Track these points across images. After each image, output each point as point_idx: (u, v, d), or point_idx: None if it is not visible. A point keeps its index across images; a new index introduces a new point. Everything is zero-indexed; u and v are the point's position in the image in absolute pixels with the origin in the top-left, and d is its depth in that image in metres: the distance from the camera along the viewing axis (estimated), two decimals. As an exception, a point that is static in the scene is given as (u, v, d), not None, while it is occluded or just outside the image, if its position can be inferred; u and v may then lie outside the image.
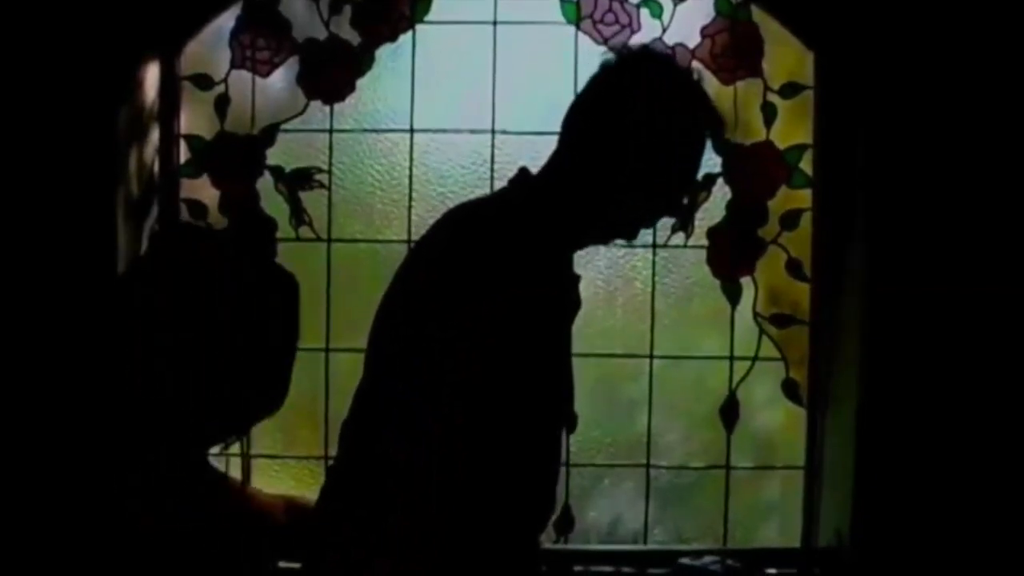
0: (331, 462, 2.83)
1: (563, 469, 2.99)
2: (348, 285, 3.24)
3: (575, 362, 2.26)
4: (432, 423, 2.02)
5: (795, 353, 3.26)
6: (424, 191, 3.25)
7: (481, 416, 2.02)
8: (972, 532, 3.01)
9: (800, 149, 3.22)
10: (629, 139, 2.14)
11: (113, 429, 2.97)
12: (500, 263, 2.08)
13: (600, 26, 3.19)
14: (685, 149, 2.18)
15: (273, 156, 3.23)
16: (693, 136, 2.19)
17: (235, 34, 3.21)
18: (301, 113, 3.23)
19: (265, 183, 3.22)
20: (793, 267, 3.24)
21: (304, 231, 3.23)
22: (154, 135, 3.20)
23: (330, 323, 3.21)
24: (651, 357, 3.25)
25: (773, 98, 3.21)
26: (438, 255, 2.17)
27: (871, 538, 3.04)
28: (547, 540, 3.19)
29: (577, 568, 3.11)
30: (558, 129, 3.17)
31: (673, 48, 3.19)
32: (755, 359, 3.25)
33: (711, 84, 3.16)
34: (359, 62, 3.21)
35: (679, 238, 3.21)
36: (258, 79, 3.23)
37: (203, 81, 3.23)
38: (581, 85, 3.14)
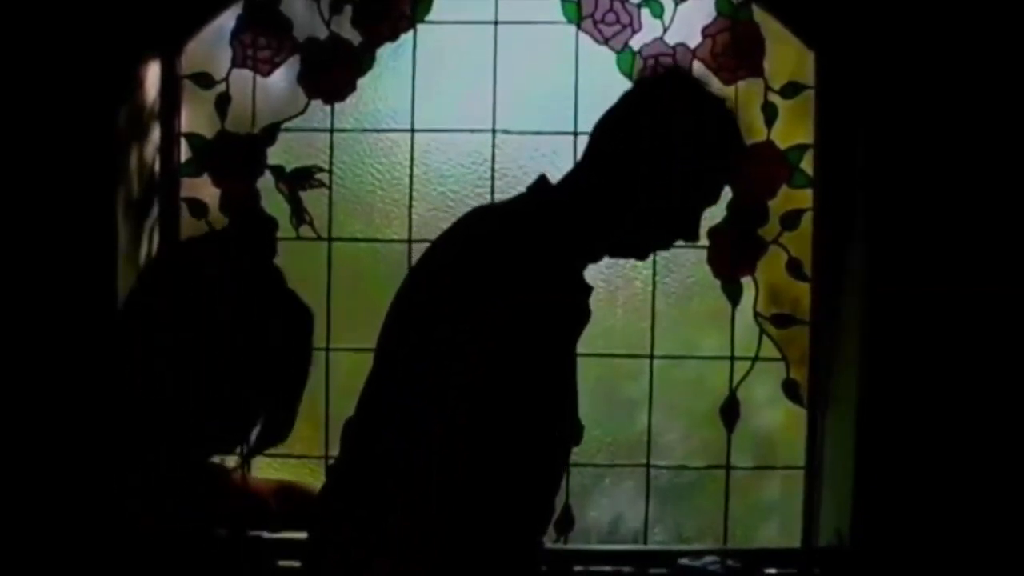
0: (331, 461, 2.84)
1: (563, 469, 2.99)
2: (348, 284, 3.24)
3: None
4: (434, 424, 2.02)
5: (795, 353, 3.26)
6: (425, 191, 3.25)
7: (484, 418, 2.02)
8: (972, 532, 3.01)
9: (801, 149, 3.22)
10: (655, 158, 2.14)
11: (112, 429, 2.98)
12: (510, 268, 2.09)
13: (601, 26, 3.19)
14: (709, 175, 2.18)
15: (274, 155, 3.23)
16: (718, 163, 2.18)
17: (236, 33, 3.21)
18: (302, 112, 3.23)
19: (266, 182, 3.22)
20: (794, 267, 3.24)
21: (304, 230, 3.23)
22: (155, 134, 3.20)
23: (330, 322, 3.21)
24: (651, 357, 3.25)
25: (774, 98, 3.21)
26: (450, 259, 2.18)
27: (871, 538, 3.04)
28: (547, 540, 3.19)
29: (577, 568, 3.11)
30: (559, 128, 3.21)
31: (674, 48, 3.19)
32: (755, 359, 3.25)
33: (711, 84, 3.17)
34: (360, 61, 3.21)
35: (680, 238, 3.21)
36: (259, 78, 3.23)
37: (204, 80, 3.23)
38: (582, 84, 3.21)
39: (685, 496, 3.32)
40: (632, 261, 3.18)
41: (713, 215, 3.21)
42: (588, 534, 3.30)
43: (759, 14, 3.19)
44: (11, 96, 2.98)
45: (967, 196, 2.99)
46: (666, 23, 3.19)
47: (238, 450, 3.11)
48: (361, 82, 3.22)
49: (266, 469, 3.22)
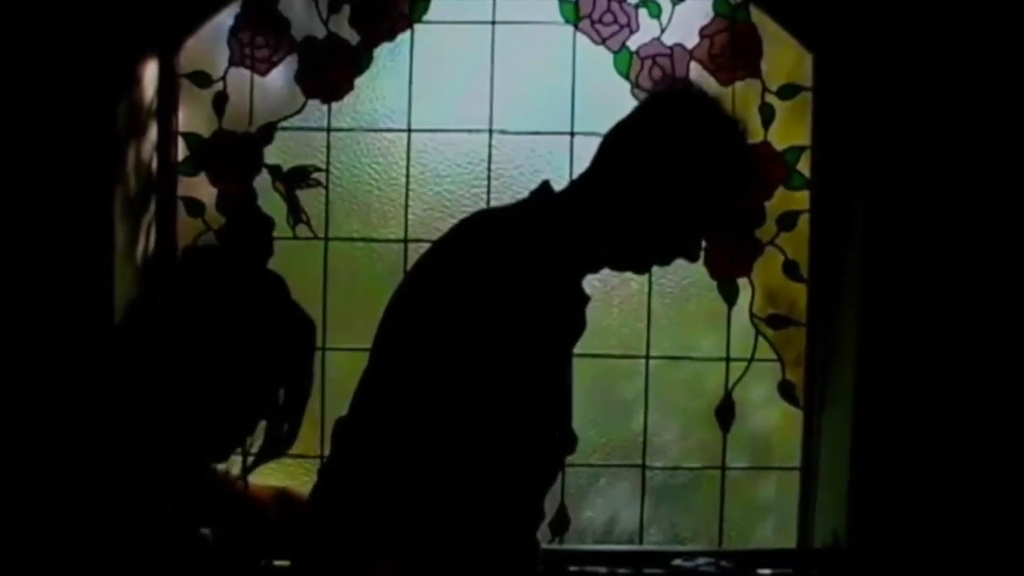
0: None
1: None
2: (345, 284, 3.24)
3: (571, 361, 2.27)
4: (428, 422, 2.02)
5: (791, 354, 3.26)
6: (422, 190, 3.25)
7: (476, 416, 2.02)
8: (968, 532, 3.01)
9: (798, 150, 3.22)
10: (661, 173, 2.13)
11: (111, 429, 2.98)
12: (505, 267, 2.09)
13: (598, 26, 3.19)
14: (713, 196, 2.17)
15: (271, 154, 3.23)
16: (726, 183, 2.18)
17: (234, 32, 3.21)
18: (299, 112, 3.23)
19: (263, 181, 3.22)
20: (790, 268, 3.24)
21: (301, 230, 3.22)
22: (152, 132, 3.20)
23: (326, 322, 3.21)
24: (647, 357, 3.25)
25: (771, 99, 3.21)
26: (448, 259, 2.18)
27: (867, 539, 3.04)
28: (542, 540, 3.19)
29: (572, 568, 3.11)
30: (556, 129, 3.21)
31: (671, 48, 3.19)
32: (751, 360, 3.26)
33: (709, 85, 3.18)
34: (357, 61, 3.21)
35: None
36: (256, 77, 3.23)
37: (201, 79, 3.23)
38: (579, 85, 3.21)
39: (681, 497, 3.32)
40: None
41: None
42: (583, 534, 3.30)
43: (757, 15, 3.19)
44: (9, 94, 2.98)
45: (964, 197, 2.99)
46: (664, 23, 3.20)
47: (240, 458, 3.12)
48: (358, 82, 3.22)
49: (263, 470, 3.21)
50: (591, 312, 2.24)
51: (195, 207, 3.23)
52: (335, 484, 2.20)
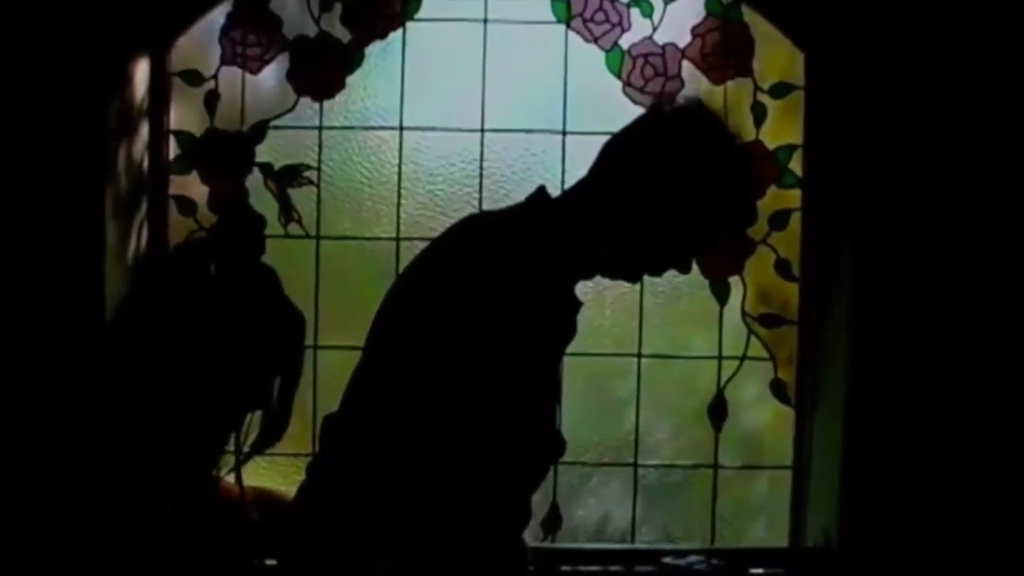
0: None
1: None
2: (337, 282, 3.24)
3: (564, 360, 2.27)
4: (423, 421, 2.02)
5: (783, 353, 3.26)
6: (413, 188, 3.25)
7: (472, 416, 2.02)
8: (959, 531, 3.02)
9: (790, 149, 3.23)
10: (660, 185, 2.13)
11: (108, 427, 2.98)
12: (501, 269, 2.09)
13: (590, 25, 3.19)
14: (712, 210, 2.18)
15: (262, 153, 3.22)
16: (723, 200, 2.18)
17: (225, 31, 3.21)
18: (291, 110, 3.23)
19: (254, 180, 3.22)
20: (782, 267, 3.24)
21: (293, 228, 3.22)
22: (143, 131, 3.19)
23: (318, 320, 3.21)
24: (639, 356, 3.25)
25: (763, 98, 3.22)
26: (444, 260, 2.18)
27: (859, 537, 3.05)
28: (535, 539, 3.19)
29: (564, 567, 3.11)
30: (548, 127, 3.21)
31: (663, 47, 3.19)
32: (743, 358, 3.26)
33: (701, 83, 3.18)
34: (349, 59, 3.21)
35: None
36: (248, 76, 3.22)
37: (193, 77, 3.22)
38: (571, 83, 3.20)
39: (673, 495, 3.32)
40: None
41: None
42: (575, 533, 3.30)
43: (749, 14, 3.19)
44: (0, 93, 2.97)
45: (956, 197, 3.00)
46: (655, 22, 3.20)
47: (230, 454, 3.12)
48: (350, 80, 3.22)
49: (256, 468, 3.22)
50: (584, 311, 2.24)
51: (187, 206, 3.23)
52: (327, 482, 2.20)
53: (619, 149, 2.20)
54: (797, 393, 3.26)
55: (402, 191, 3.24)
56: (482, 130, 3.23)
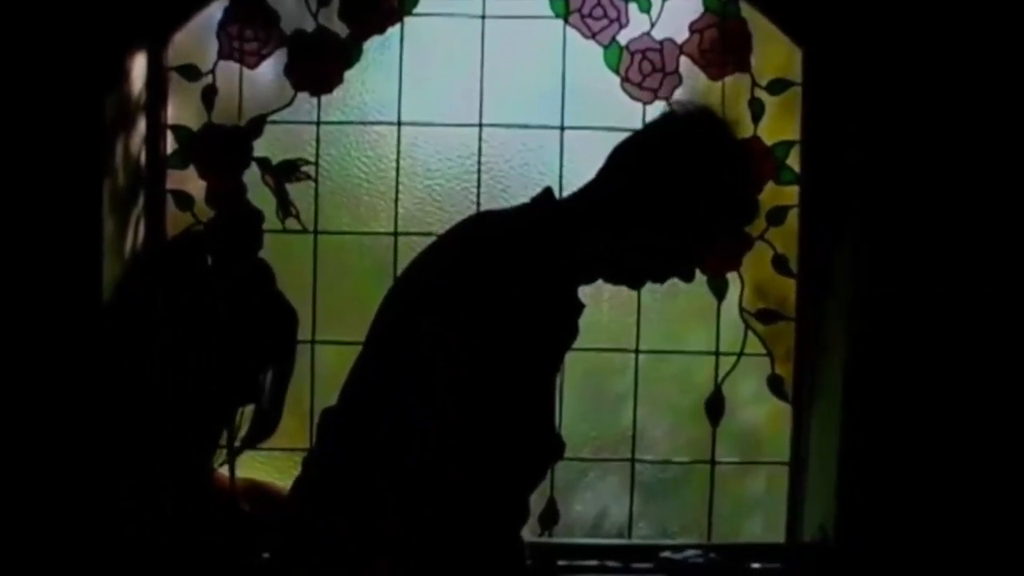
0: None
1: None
2: (334, 277, 3.24)
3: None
4: (424, 420, 2.02)
5: (781, 349, 3.27)
6: (411, 184, 3.25)
7: (473, 415, 2.02)
8: (956, 526, 3.02)
9: (787, 145, 3.23)
10: (665, 190, 2.14)
11: (107, 428, 2.98)
12: (503, 269, 2.09)
13: (588, 20, 3.19)
14: (714, 209, 2.18)
15: (260, 148, 3.22)
16: (724, 200, 2.19)
17: (223, 25, 3.20)
18: (288, 105, 3.22)
19: (252, 175, 3.22)
20: (779, 263, 3.24)
21: (290, 223, 3.22)
22: (141, 126, 3.19)
23: (316, 315, 3.21)
24: (637, 352, 3.25)
25: (761, 94, 3.22)
26: (444, 260, 2.18)
27: (855, 533, 3.05)
28: (532, 534, 3.20)
29: (562, 562, 3.11)
30: (546, 123, 3.21)
31: (661, 43, 3.19)
32: (741, 354, 3.26)
33: (699, 79, 3.18)
34: (347, 54, 3.21)
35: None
36: (246, 70, 3.22)
37: (190, 72, 3.22)
38: (569, 79, 3.20)
39: (670, 491, 3.32)
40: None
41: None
42: (573, 528, 3.30)
43: (747, 10, 3.19)
44: (-4, 87, 2.98)
45: (954, 194, 3.00)
46: (653, 18, 3.20)
47: (223, 448, 3.13)
48: (348, 75, 3.22)
49: (252, 463, 3.22)
50: (582, 303, 2.25)
51: (184, 200, 3.22)
52: (324, 478, 2.20)
53: (632, 152, 2.21)
54: (794, 389, 3.26)
55: (400, 186, 3.24)
56: (480, 125, 3.23)
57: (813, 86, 3.20)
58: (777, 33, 3.21)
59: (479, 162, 3.23)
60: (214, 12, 3.21)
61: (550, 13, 3.20)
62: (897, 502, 3.03)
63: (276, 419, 3.10)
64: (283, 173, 3.22)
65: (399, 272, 2.40)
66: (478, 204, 3.21)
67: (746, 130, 3.20)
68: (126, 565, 2.91)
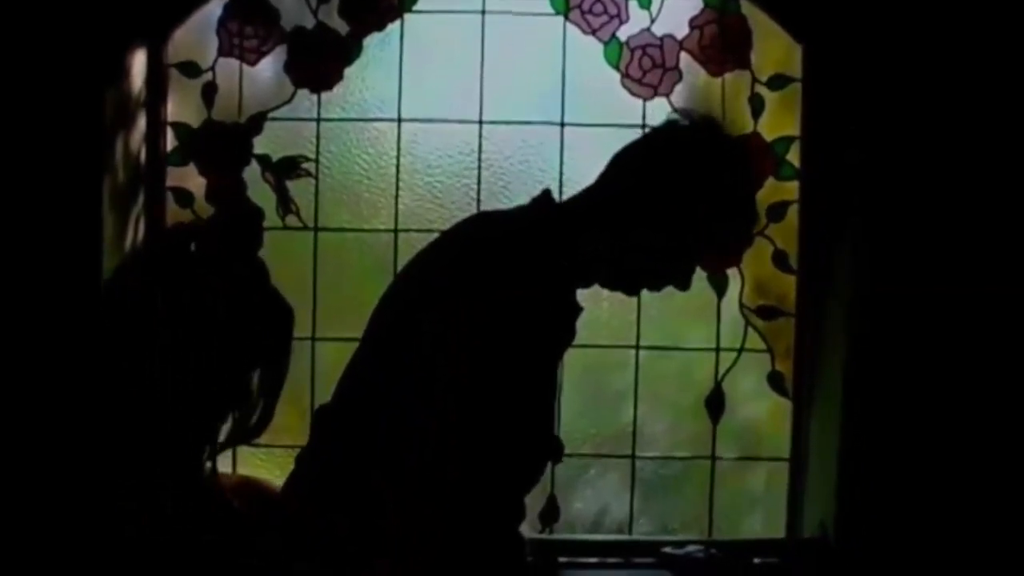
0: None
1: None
2: (334, 275, 3.24)
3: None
4: (426, 420, 2.02)
5: (781, 345, 3.27)
6: (411, 180, 3.25)
7: (472, 415, 2.03)
8: (955, 523, 3.02)
9: (787, 141, 3.23)
10: (664, 197, 2.15)
11: (106, 428, 2.98)
12: (503, 270, 2.10)
13: (589, 16, 3.19)
14: (714, 211, 2.19)
15: (260, 145, 3.22)
16: (727, 210, 2.20)
17: (223, 22, 3.20)
18: (288, 102, 3.22)
19: (252, 172, 3.22)
20: (779, 259, 3.24)
21: (291, 220, 3.22)
22: (141, 123, 3.19)
23: (316, 312, 3.21)
24: (637, 348, 3.25)
25: (761, 90, 3.22)
26: (444, 260, 2.19)
27: (855, 529, 3.05)
28: (533, 530, 3.20)
29: (562, 558, 3.11)
30: (546, 119, 3.21)
31: (661, 39, 3.19)
32: (741, 351, 3.26)
33: (699, 75, 3.18)
34: (347, 51, 3.21)
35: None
36: (246, 67, 3.22)
37: (190, 69, 3.22)
38: (569, 75, 3.20)
39: (670, 487, 3.32)
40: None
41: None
42: (573, 525, 3.30)
43: (747, 6, 3.19)
44: (-4, 84, 2.98)
45: (954, 191, 3.00)
46: (653, 14, 3.20)
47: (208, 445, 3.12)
48: (348, 72, 3.22)
49: (251, 460, 3.22)
50: (581, 302, 2.25)
51: (184, 197, 3.22)
52: (322, 476, 2.20)
53: (636, 155, 2.22)
54: (794, 385, 3.26)
55: (400, 183, 3.24)
56: (480, 122, 3.23)
57: (813, 82, 3.20)
58: (777, 29, 3.21)
59: (479, 159, 3.23)
60: (214, 9, 3.21)
61: (550, 9, 3.20)
62: (897, 498, 3.03)
63: (268, 417, 3.09)
64: (283, 170, 3.22)
65: (399, 269, 2.40)
66: (478, 201, 3.21)
67: (746, 126, 3.20)
68: (126, 565, 2.91)
